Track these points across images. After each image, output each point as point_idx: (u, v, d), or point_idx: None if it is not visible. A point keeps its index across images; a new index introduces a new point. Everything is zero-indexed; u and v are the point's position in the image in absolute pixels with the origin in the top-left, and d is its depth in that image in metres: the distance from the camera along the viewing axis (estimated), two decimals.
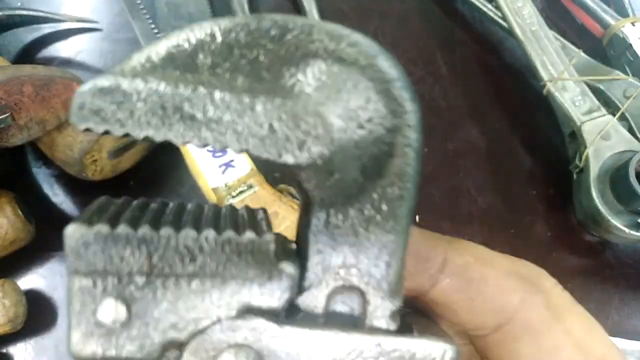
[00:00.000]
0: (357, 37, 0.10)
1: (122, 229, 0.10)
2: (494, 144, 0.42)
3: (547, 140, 0.42)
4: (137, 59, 0.10)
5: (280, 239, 0.10)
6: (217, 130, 0.09)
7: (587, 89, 0.39)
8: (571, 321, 0.15)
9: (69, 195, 0.38)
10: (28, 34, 0.43)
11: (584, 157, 0.37)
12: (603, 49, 0.45)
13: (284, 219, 0.34)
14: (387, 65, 0.10)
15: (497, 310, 0.14)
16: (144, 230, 0.10)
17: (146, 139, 0.10)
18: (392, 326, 0.10)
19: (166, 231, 0.10)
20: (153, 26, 0.40)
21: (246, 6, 0.44)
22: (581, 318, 0.16)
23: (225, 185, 0.34)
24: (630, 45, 0.42)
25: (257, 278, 0.09)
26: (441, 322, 0.15)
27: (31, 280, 0.35)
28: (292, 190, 0.35)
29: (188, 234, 0.10)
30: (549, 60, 0.40)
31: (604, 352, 0.15)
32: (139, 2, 0.41)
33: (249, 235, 0.10)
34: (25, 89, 0.31)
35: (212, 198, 0.35)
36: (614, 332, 0.36)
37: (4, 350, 0.33)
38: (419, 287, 0.14)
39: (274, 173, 0.38)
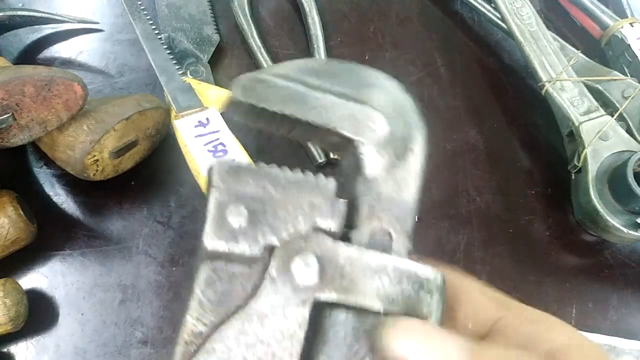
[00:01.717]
0: (394, 81, 0.17)
1: (248, 165, 0.15)
2: (493, 144, 0.42)
3: (546, 140, 0.42)
4: (277, 68, 0.16)
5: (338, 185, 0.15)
6: (322, 113, 0.15)
7: (585, 89, 0.39)
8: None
9: (70, 195, 0.38)
10: (29, 35, 0.44)
11: (582, 157, 0.37)
12: (601, 50, 0.45)
13: None
14: (407, 99, 0.16)
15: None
16: (264, 168, 0.15)
17: (275, 113, 0.15)
18: (406, 258, 0.16)
19: (276, 171, 0.15)
20: (154, 27, 0.40)
21: (247, 7, 0.44)
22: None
23: None
24: (629, 45, 0.42)
25: (325, 208, 0.15)
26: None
27: (32, 279, 0.35)
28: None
29: (287, 172, 0.15)
30: (547, 60, 0.40)
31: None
32: (139, 3, 0.41)
33: (322, 178, 0.15)
34: (26, 89, 0.31)
35: None
36: (612, 331, 0.36)
37: (6, 350, 0.33)
38: None
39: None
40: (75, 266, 0.36)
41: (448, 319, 0.17)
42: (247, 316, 0.13)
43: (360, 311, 0.14)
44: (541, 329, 0.16)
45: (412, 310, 0.14)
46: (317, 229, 0.14)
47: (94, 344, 0.34)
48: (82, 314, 0.35)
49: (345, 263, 0.14)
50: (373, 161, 0.15)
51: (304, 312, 0.14)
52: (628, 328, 0.37)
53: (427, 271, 0.15)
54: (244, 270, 0.14)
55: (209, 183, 0.14)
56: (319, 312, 0.14)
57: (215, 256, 0.14)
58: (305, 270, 0.14)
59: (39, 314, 0.34)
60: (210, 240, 0.14)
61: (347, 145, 0.15)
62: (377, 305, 0.14)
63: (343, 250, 0.14)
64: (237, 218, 0.14)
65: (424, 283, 0.15)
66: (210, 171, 0.14)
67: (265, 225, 0.14)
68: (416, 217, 0.16)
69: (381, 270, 0.14)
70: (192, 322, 0.14)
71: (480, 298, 0.17)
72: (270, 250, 0.14)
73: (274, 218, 0.14)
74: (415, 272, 0.15)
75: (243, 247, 0.14)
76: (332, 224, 0.14)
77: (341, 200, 0.15)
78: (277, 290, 0.14)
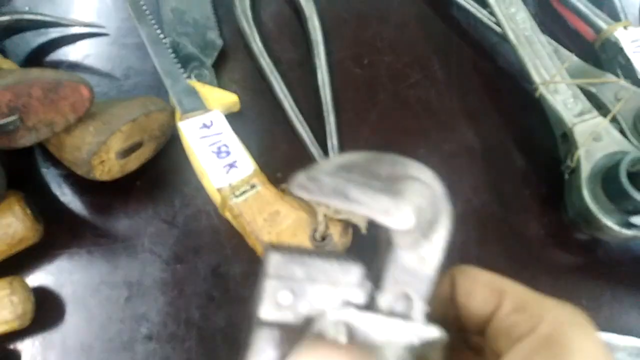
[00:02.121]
0: (427, 169, 0.19)
1: (295, 254, 0.18)
2: (489, 146, 0.43)
3: (540, 141, 0.43)
4: (327, 165, 0.19)
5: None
6: (360, 205, 0.17)
7: (579, 91, 0.40)
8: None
9: (77, 195, 0.39)
10: (36, 38, 0.44)
11: (575, 158, 0.38)
12: (595, 53, 0.46)
13: (286, 217, 0.35)
14: (439, 186, 0.19)
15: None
16: (308, 256, 0.18)
17: (327, 203, 0.18)
18: (424, 320, 0.18)
19: (318, 259, 0.18)
20: (159, 31, 0.41)
21: (249, 12, 0.45)
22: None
23: (229, 185, 0.35)
24: (622, 48, 0.43)
25: (354, 286, 0.18)
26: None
27: (39, 277, 0.36)
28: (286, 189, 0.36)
29: (321, 259, 0.18)
30: (541, 63, 0.41)
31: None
32: (145, 8, 0.42)
33: (353, 263, 0.18)
34: (33, 91, 0.31)
35: (216, 198, 0.36)
36: (606, 327, 0.37)
37: (13, 346, 0.34)
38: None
39: (276, 173, 0.39)
40: (81, 264, 0.36)
41: (462, 316, 0.19)
42: None
43: None
44: (537, 313, 0.17)
45: None
46: (347, 302, 0.18)
47: (100, 340, 0.34)
48: (88, 311, 0.35)
49: (370, 330, 0.18)
50: (400, 242, 0.18)
51: None
52: (621, 324, 0.37)
53: (436, 333, 0.18)
54: (291, 335, 0.18)
55: (264, 269, 0.18)
56: None
57: (266, 324, 0.18)
58: (335, 334, 0.17)
59: (45, 311, 0.34)
60: (265, 314, 0.18)
61: (382, 226, 0.19)
62: None
63: (368, 318, 0.18)
64: (285, 298, 0.18)
65: (431, 343, 0.18)
66: (266, 259, 0.18)
67: (306, 302, 0.18)
68: (435, 283, 0.18)
69: (398, 332, 0.18)
70: None
71: (483, 291, 0.19)
72: (309, 320, 0.18)
73: (312, 296, 0.18)
74: (424, 334, 0.18)
75: (288, 318, 0.18)
76: (359, 298, 0.18)
77: (367, 280, 0.18)
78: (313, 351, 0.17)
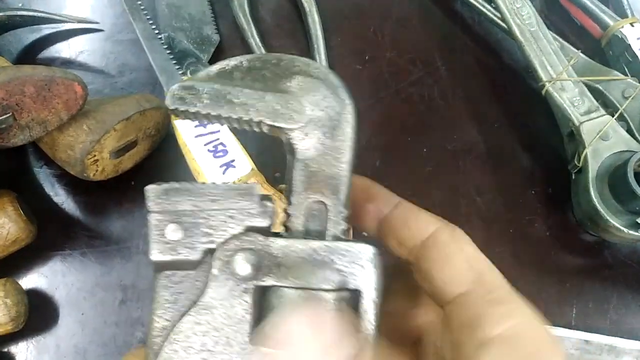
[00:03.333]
0: (318, 64, 0.18)
1: (177, 185, 0.17)
2: (493, 144, 0.42)
3: (546, 140, 0.42)
4: (202, 73, 0.18)
5: (267, 189, 0.18)
6: (246, 109, 0.17)
7: (585, 89, 0.39)
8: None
9: (71, 195, 0.38)
10: (29, 35, 0.44)
11: (582, 157, 0.37)
12: (602, 50, 0.45)
13: None
14: (335, 79, 0.18)
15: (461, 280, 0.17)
16: (192, 185, 0.17)
17: (207, 114, 0.17)
18: (344, 227, 0.17)
19: (204, 186, 0.17)
20: (154, 27, 0.40)
21: (246, 7, 0.44)
22: None
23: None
24: (629, 45, 0.42)
25: (252, 210, 0.17)
26: (422, 291, 0.19)
27: (33, 279, 0.35)
28: (284, 187, 0.35)
29: (215, 186, 0.17)
30: (547, 60, 0.40)
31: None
32: (139, 3, 0.41)
33: (247, 185, 0.17)
34: (26, 89, 0.31)
35: None
36: (612, 331, 0.36)
37: (6, 349, 0.33)
38: (409, 243, 0.18)
39: (274, 173, 0.38)
40: (75, 266, 0.36)
41: (428, 279, 0.18)
42: (199, 309, 0.16)
43: (294, 290, 0.16)
44: (491, 314, 0.16)
45: (344, 285, 0.16)
46: (249, 229, 0.16)
47: (95, 344, 0.34)
48: (82, 314, 0.35)
49: (278, 253, 0.16)
50: (301, 143, 0.17)
51: (247, 299, 0.16)
52: (628, 328, 0.37)
53: (358, 247, 0.16)
54: (192, 273, 0.17)
55: (146, 207, 0.17)
56: (263, 296, 0.17)
57: (164, 266, 0.17)
58: (242, 264, 0.16)
59: (39, 313, 0.34)
60: (155, 255, 0.16)
61: (279, 132, 0.17)
62: (311, 284, 0.16)
63: (275, 242, 0.16)
64: (174, 233, 0.16)
65: (355, 258, 0.16)
66: (145, 196, 0.17)
67: (201, 235, 0.16)
68: (349, 186, 0.17)
69: (312, 253, 0.16)
70: (156, 319, 0.16)
71: (461, 265, 0.17)
72: (210, 253, 0.16)
73: (208, 228, 0.16)
74: (345, 249, 0.16)
75: (184, 255, 0.16)
76: (262, 222, 0.17)
77: (268, 202, 0.17)
78: (221, 284, 0.16)
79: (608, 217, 0.35)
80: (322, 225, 0.17)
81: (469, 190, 0.40)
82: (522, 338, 0.15)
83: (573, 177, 0.39)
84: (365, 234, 0.20)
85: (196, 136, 0.36)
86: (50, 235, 0.36)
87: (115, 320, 0.34)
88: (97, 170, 0.35)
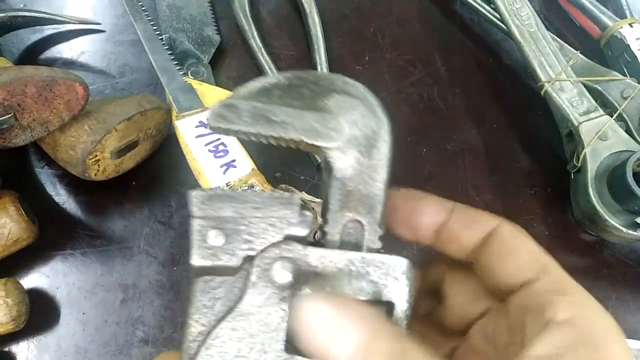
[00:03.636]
0: (357, 83, 0.18)
1: (220, 191, 0.17)
2: (493, 144, 0.42)
3: (545, 140, 0.42)
4: (243, 91, 0.18)
5: (304, 200, 0.18)
6: (285, 127, 0.17)
7: (584, 89, 0.39)
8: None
9: (72, 195, 0.38)
10: (31, 35, 0.44)
11: (581, 157, 0.37)
12: (601, 50, 0.45)
13: None
14: (372, 97, 0.18)
15: (521, 274, 0.18)
16: (235, 193, 0.17)
17: (248, 132, 0.17)
18: (379, 246, 0.17)
19: (247, 194, 0.17)
20: (155, 28, 0.41)
21: (247, 8, 0.45)
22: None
23: (227, 184, 0.35)
24: (628, 46, 0.42)
25: (292, 219, 0.17)
26: (479, 283, 0.19)
27: (34, 279, 0.35)
28: (292, 189, 0.35)
29: (256, 194, 0.17)
30: (546, 61, 0.40)
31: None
32: (141, 4, 0.41)
33: (287, 195, 0.17)
34: (28, 89, 0.31)
35: None
36: None
37: (7, 349, 0.34)
38: (471, 243, 0.19)
39: (275, 173, 0.38)
40: (76, 266, 0.36)
41: (491, 272, 0.18)
42: (236, 315, 0.16)
43: None
44: (558, 301, 0.16)
45: (378, 297, 0.16)
46: (288, 237, 0.17)
47: (96, 344, 0.34)
48: (83, 314, 0.35)
49: (316, 263, 0.17)
50: (339, 162, 0.17)
51: (284, 307, 0.16)
52: (627, 327, 0.37)
53: (393, 259, 0.17)
54: (230, 279, 0.17)
55: (189, 212, 0.17)
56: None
57: (204, 271, 0.17)
58: (280, 272, 0.16)
59: (40, 313, 0.34)
60: (196, 260, 0.16)
61: (317, 150, 0.18)
62: (345, 294, 0.16)
63: (313, 252, 0.17)
64: (216, 239, 0.16)
65: (389, 271, 0.17)
66: (188, 202, 0.17)
67: (241, 242, 0.17)
68: (385, 205, 0.17)
69: (349, 264, 0.17)
70: (193, 324, 0.16)
71: (524, 257, 0.18)
72: (249, 260, 0.17)
73: (248, 235, 0.17)
74: (380, 261, 0.17)
75: (224, 261, 0.16)
76: (301, 232, 0.17)
77: (307, 212, 0.17)
78: (258, 292, 0.16)
79: (607, 217, 0.35)
80: (358, 243, 0.17)
81: (468, 190, 0.40)
82: (587, 325, 0.16)
83: (572, 177, 0.39)
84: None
85: (197, 136, 0.36)
86: (51, 235, 0.36)
87: (116, 319, 0.34)
88: (98, 170, 0.35)
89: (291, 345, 0.16)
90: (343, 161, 0.17)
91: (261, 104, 0.17)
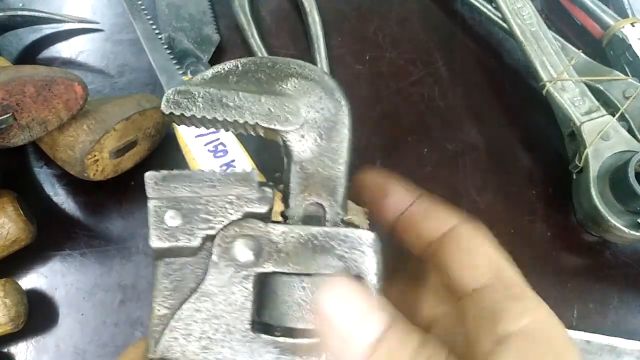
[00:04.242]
0: (314, 66, 0.18)
1: (176, 172, 0.17)
2: (494, 144, 0.42)
3: (547, 140, 0.42)
4: (197, 78, 0.18)
5: (262, 177, 0.18)
6: (241, 112, 0.17)
7: (586, 89, 0.39)
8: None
9: (71, 195, 0.38)
10: (29, 35, 0.44)
11: (583, 157, 0.37)
12: (602, 50, 0.45)
13: None
14: (330, 80, 0.18)
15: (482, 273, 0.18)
16: (192, 172, 0.17)
17: (203, 118, 0.17)
18: (341, 226, 0.17)
19: (203, 173, 0.17)
20: (154, 27, 0.40)
21: (247, 7, 0.44)
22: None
23: None
24: (630, 45, 0.42)
25: (251, 196, 0.16)
26: (435, 285, 0.19)
27: (32, 279, 0.35)
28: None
29: (214, 173, 0.17)
30: (548, 60, 0.40)
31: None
32: (140, 3, 0.41)
33: (245, 172, 0.17)
34: (26, 89, 0.31)
35: None
36: (613, 331, 0.36)
37: (6, 350, 0.33)
38: (429, 236, 0.18)
39: (274, 173, 0.38)
40: (75, 266, 0.36)
41: (446, 271, 0.18)
42: (199, 297, 0.16)
43: (296, 276, 0.16)
44: (510, 309, 0.16)
45: (346, 271, 0.16)
46: (248, 215, 0.16)
47: (94, 344, 0.34)
48: (82, 314, 0.35)
49: (278, 239, 0.16)
50: (298, 145, 0.17)
51: (248, 286, 0.16)
52: (629, 328, 0.37)
53: (358, 232, 0.16)
54: (191, 260, 0.16)
55: (146, 194, 0.17)
56: (263, 283, 0.16)
57: (164, 253, 0.16)
58: (242, 250, 0.16)
59: (39, 314, 0.34)
60: (154, 242, 0.16)
61: (275, 134, 0.17)
62: (312, 270, 0.16)
63: (275, 228, 0.16)
64: (173, 220, 0.16)
65: (355, 244, 0.16)
66: (145, 183, 0.17)
67: (200, 221, 0.16)
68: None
69: (312, 239, 0.16)
70: (157, 307, 0.16)
71: (480, 259, 0.18)
72: (209, 239, 0.16)
73: (206, 214, 0.16)
74: (345, 235, 0.16)
75: (183, 241, 0.16)
76: (261, 208, 0.16)
77: (267, 188, 0.17)
78: (221, 271, 0.16)
79: (609, 217, 0.35)
80: (319, 216, 0.17)
81: (469, 190, 0.40)
82: (541, 334, 0.15)
83: (574, 177, 0.39)
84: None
85: (196, 136, 0.36)
86: (50, 235, 0.36)
87: (115, 320, 0.34)
88: (97, 170, 0.35)
89: (258, 323, 0.16)
90: (301, 144, 0.17)
91: (216, 89, 0.17)
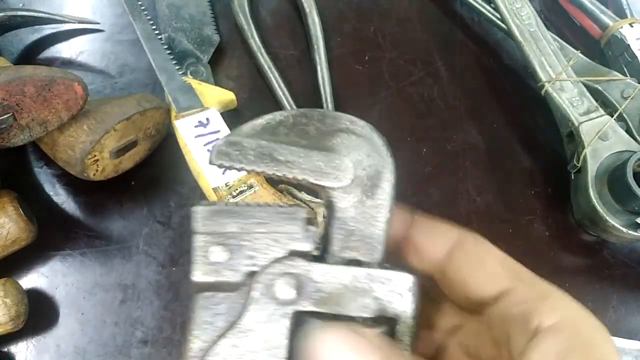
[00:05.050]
0: (363, 122, 0.18)
1: (224, 206, 0.17)
2: (493, 145, 0.42)
3: (545, 140, 0.42)
4: (247, 127, 0.17)
5: (310, 214, 0.18)
6: (290, 167, 0.17)
7: (585, 89, 0.39)
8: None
9: (71, 195, 0.38)
10: (30, 35, 0.44)
11: (581, 157, 0.37)
12: (601, 50, 0.45)
13: None
14: (378, 136, 0.18)
15: (493, 287, 0.17)
16: (240, 207, 0.17)
17: (252, 171, 0.17)
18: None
19: (251, 209, 0.17)
20: (154, 27, 0.40)
21: (247, 8, 0.44)
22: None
23: (226, 185, 0.35)
24: (628, 46, 0.42)
25: (297, 234, 0.17)
26: (447, 300, 0.19)
27: (33, 279, 0.35)
28: (292, 189, 0.35)
29: (261, 208, 0.17)
30: (547, 61, 0.40)
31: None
32: (140, 3, 0.41)
33: (293, 209, 0.17)
34: (27, 89, 0.31)
35: (212, 198, 0.35)
36: (612, 331, 0.36)
37: (6, 349, 0.33)
38: (434, 257, 0.18)
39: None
40: (75, 266, 0.36)
41: (461, 284, 0.18)
42: (236, 332, 0.16)
43: (336, 318, 0.16)
44: (541, 308, 0.16)
45: (383, 313, 0.16)
46: (292, 252, 0.16)
47: (94, 344, 0.34)
48: (82, 314, 0.35)
49: (320, 279, 0.16)
50: (342, 202, 0.17)
51: (286, 324, 0.16)
52: (628, 328, 0.37)
53: (398, 275, 0.16)
54: (231, 295, 0.16)
55: (192, 228, 0.17)
56: (301, 322, 0.16)
57: (205, 287, 0.17)
58: (283, 287, 0.16)
59: (39, 313, 0.34)
60: (198, 277, 0.16)
61: (319, 189, 0.17)
62: (349, 311, 0.16)
63: (317, 268, 0.16)
64: (219, 255, 0.16)
65: (394, 287, 0.16)
66: (192, 217, 0.17)
67: (244, 257, 0.16)
68: (386, 244, 0.17)
69: (354, 280, 0.16)
70: (194, 340, 0.16)
71: (495, 266, 0.18)
72: (252, 275, 0.16)
73: (251, 250, 0.16)
74: (385, 277, 0.16)
75: (226, 277, 0.16)
76: (306, 247, 0.17)
77: (312, 226, 0.17)
78: (260, 308, 0.16)
79: (607, 217, 0.35)
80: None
81: (468, 190, 0.40)
82: (576, 327, 0.15)
83: (572, 177, 0.39)
84: None
85: (196, 136, 0.36)
86: (50, 235, 0.36)
87: (115, 320, 0.34)
88: (97, 170, 0.35)
89: None
90: (346, 201, 0.17)
91: (266, 141, 0.17)
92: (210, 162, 0.17)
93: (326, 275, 0.16)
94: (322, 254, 0.17)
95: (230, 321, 0.16)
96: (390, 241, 0.18)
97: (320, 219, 0.36)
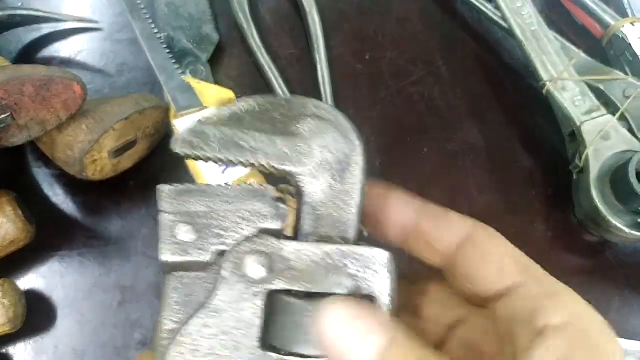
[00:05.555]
0: (329, 106, 0.18)
1: (191, 186, 0.17)
2: (494, 144, 0.42)
3: (547, 140, 0.42)
4: (213, 116, 0.17)
5: (280, 194, 0.18)
6: (255, 153, 0.17)
7: (587, 89, 0.39)
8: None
9: (69, 195, 0.38)
10: (28, 34, 0.43)
11: (583, 157, 0.37)
12: (603, 49, 0.45)
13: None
14: (345, 121, 0.18)
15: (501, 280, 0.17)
16: (206, 187, 0.17)
17: (216, 158, 0.17)
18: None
19: (218, 188, 0.17)
20: (153, 26, 0.40)
21: (246, 7, 0.44)
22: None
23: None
24: (630, 45, 0.42)
25: (266, 212, 0.17)
26: (456, 292, 0.19)
27: (31, 280, 0.35)
28: (292, 189, 0.35)
29: (228, 187, 0.17)
30: (548, 60, 0.40)
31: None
32: (139, 2, 0.41)
33: (261, 187, 0.17)
34: (25, 88, 0.31)
35: None
36: (614, 332, 0.36)
37: (4, 350, 0.33)
38: (445, 248, 0.18)
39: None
40: (74, 267, 0.36)
41: (469, 278, 0.18)
42: (208, 312, 0.16)
43: (308, 295, 0.16)
44: (549, 305, 0.16)
45: (358, 291, 0.16)
46: (262, 231, 0.16)
47: (93, 345, 0.34)
48: (81, 315, 0.34)
49: (291, 256, 0.16)
50: (310, 187, 0.17)
51: (258, 303, 0.16)
52: (630, 329, 0.37)
53: (372, 252, 0.16)
54: (202, 274, 0.16)
55: (158, 207, 0.16)
56: (274, 300, 0.16)
57: (174, 267, 0.16)
58: (253, 266, 0.16)
59: (37, 314, 0.34)
60: (165, 255, 0.16)
61: (286, 174, 0.17)
62: (323, 289, 0.16)
63: (288, 245, 0.16)
64: (186, 234, 0.16)
65: (369, 263, 0.16)
66: (157, 196, 0.17)
67: (212, 236, 0.16)
68: (360, 230, 0.17)
69: (325, 257, 0.16)
70: (165, 321, 0.16)
71: (504, 260, 0.17)
72: (221, 255, 0.16)
73: (219, 229, 0.16)
74: (359, 254, 0.16)
75: (195, 256, 0.16)
76: (275, 225, 0.16)
77: (281, 204, 0.17)
78: (231, 287, 0.16)
79: (610, 217, 0.35)
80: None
81: (469, 190, 0.40)
82: (581, 327, 0.15)
83: (574, 177, 0.39)
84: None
85: None
86: (48, 236, 0.36)
87: (114, 321, 0.34)
88: (96, 170, 0.35)
89: (266, 341, 0.16)
90: (314, 186, 0.17)
91: (231, 129, 0.17)
92: (173, 150, 0.17)
93: (297, 253, 0.16)
94: (293, 237, 0.17)
95: (201, 302, 0.16)
96: (366, 219, 0.18)
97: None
